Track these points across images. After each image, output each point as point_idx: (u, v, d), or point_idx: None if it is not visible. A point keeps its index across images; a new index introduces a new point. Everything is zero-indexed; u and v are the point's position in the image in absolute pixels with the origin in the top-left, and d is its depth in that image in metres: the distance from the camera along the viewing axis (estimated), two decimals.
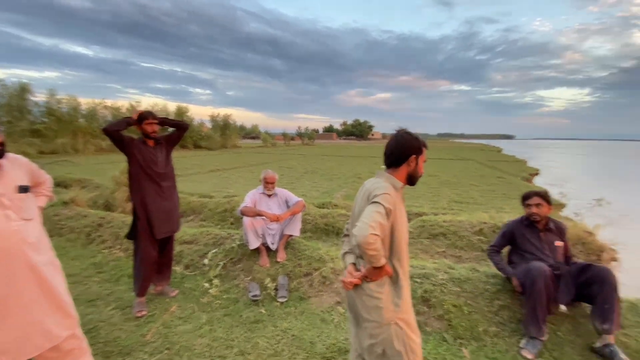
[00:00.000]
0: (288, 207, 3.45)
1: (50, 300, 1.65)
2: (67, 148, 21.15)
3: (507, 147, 59.31)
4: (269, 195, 3.42)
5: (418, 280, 3.00)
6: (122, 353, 2.29)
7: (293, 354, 2.28)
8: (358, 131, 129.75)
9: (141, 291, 2.84)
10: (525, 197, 2.72)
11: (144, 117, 2.77)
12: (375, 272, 1.38)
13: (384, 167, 1.55)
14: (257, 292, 2.94)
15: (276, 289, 3.02)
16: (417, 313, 2.72)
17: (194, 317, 2.72)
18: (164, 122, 2.92)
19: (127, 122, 2.72)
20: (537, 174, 17.45)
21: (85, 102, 23.69)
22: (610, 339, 2.20)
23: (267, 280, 3.07)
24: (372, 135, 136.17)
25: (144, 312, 2.75)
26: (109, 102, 24.94)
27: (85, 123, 22.91)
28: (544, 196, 2.63)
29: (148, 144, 2.81)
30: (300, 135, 56.67)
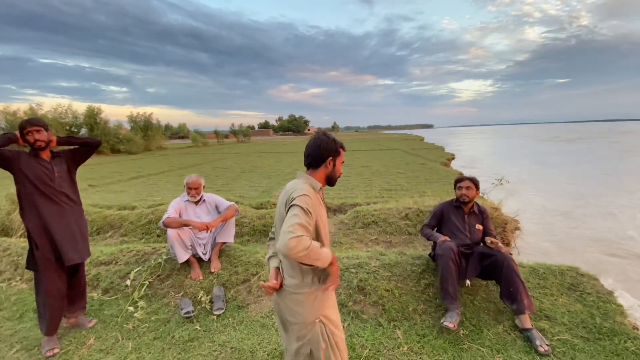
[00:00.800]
0: (219, 212, 3.28)
1: None
2: None
3: (428, 136, 65.42)
4: (196, 202, 3.21)
5: (353, 270, 3.13)
6: None
7: None
8: (294, 126, 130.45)
9: (50, 329, 2.45)
10: (458, 181, 3.00)
11: (22, 126, 2.35)
12: (333, 273, 1.39)
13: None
14: (190, 309, 2.76)
15: (211, 302, 2.87)
16: (354, 302, 2.85)
17: (117, 347, 2.44)
18: (67, 142, 2.53)
19: (8, 137, 2.29)
20: (453, 158, 19.57)
21: None
22: (525, 319, 2.44)
23: (201, 293, 2.90)
24: (309, 130, 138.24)
25: (56, 350, 2.39)
26: (1, 106, 20.86)
27: None
28: (474, 181, 2.93)
29: (41, 157, 2.40)
30: (234, 132, 54.42)
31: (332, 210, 5.95)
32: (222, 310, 2.78)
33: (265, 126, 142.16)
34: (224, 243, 3.29)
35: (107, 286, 3.18)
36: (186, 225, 2.95)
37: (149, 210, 5.21)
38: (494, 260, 2.62)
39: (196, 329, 2.60)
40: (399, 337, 2.44)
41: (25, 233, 2.61)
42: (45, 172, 2.38)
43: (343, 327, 2.60)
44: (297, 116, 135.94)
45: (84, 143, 2.60)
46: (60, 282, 2.48)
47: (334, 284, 1.40)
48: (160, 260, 3.23)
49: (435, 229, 3.04)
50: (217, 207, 3.32)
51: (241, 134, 53.74)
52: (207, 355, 2.31)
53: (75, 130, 27.47)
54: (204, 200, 3.28)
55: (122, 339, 2.52)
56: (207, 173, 13.59)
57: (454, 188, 3.04)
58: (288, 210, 1.35)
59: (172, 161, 19.56)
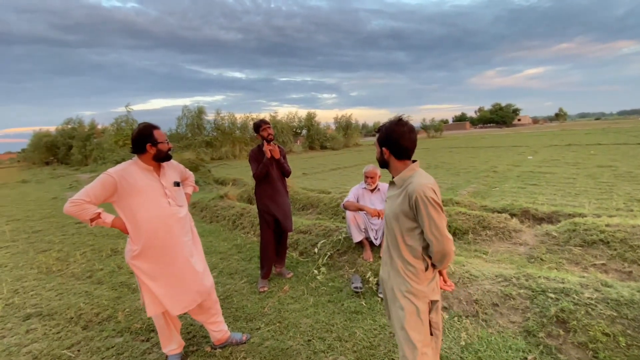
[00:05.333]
0: None
1: (193, 270, 2.17)
2: (228, 154, 26.45)
3: None
4: (372, 190, 3.44)
5: (552, 295, 2.47)
6: (246, 319, 2.77)
7: (389, 350, 2.25)
8: (499, 117, 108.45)
9: (264, 273, 3.36)
10: None
11: (258, 124, 3.24)
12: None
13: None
14: (359, 285, 3.02)
15: (377, 284, 3.03)
16: (548, 335, 2.25)
17: (302, 298, 3.02)
18: (281, 157, 3.28)
19: (266, 166, 3.18)
20: None
21: (239, 117, 29.13)
22: None
23: (369, 274, 3.11)
24: (519, 120, 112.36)
25: (265, 289, 3.24)
26: (254, 115, 29.76)
27: (240, 134, 28.05)
28: None
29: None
30: (425, 128, 52.83)
31: (536, 218, 4.79)
32: None
33: (461, 119, 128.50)
34: None
35: (302, 250, 3.98)
36: (361, 209, 3.23)
37: (339, 195, 6.04)
38: None
39: (361, 304, 2.83)
40: None
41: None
42: (268, 162, 3.23)
43: (526, 358, 2.12)
44: (503, 105, 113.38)
45: (283, 166, 3.31)
46: (273, 241, 3.33)
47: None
48: (340, 237, 3.71)
49: None
50: None
51: (432, 128, 51.40)
52: (367, 331, 2.47)
53: (299, 131, 35.14)
54: (379, 189, 3.47)
55: (306, 294, 3.09)
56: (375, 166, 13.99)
57: None
58: (418, 204, 1.36)
59: (364, 156, 21.57)
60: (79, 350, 2.47)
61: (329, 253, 3.61)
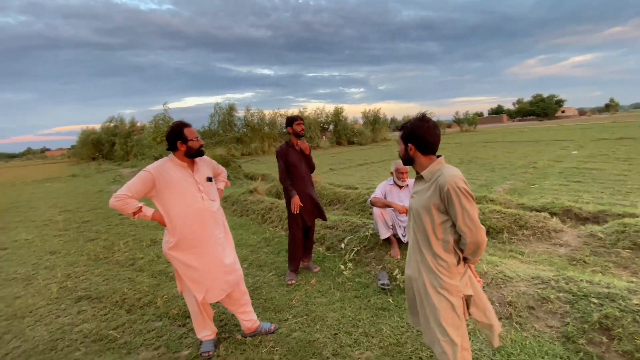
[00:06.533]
0: None
1: (225, 258, 2.28)
2: (257, 150, 27.07)
3: None
4: (400, 187, 3.38)
5: (595, 300, 2.32)
6: (275, 310, 2.86)
7: (416, 349, 2.24)
8: (540, 109, 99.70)
9: (293, 267, 3.43)
10: None
11: (292, 118, 3.28)
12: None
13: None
14: (386, 281, 3.00)
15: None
16: (589, 342, 2.12)
17: (329, 293, 3.06)
18: (309, 153, 3.35)
19: (290, 192, 3.24)
20: None
21: (268, 113, 29.61)
22: None
23: (397, 271, 3.08)
24: (563, 111, 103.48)
25: (293, 282, 3.31)
26: (282, 111, 30.12)
27: (268, 130, 28.59)
28: None
29: (295, 147, 3.29)
30: (457, 121, 50.29)
31: (579, 218, 4.47)
32: None
33: (497, 112, 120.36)
34: None
35: (329, 245, 4.01)
36: (388, 206, 3.20)
37: (366, 191, 6.00)
38: None
39: (388, 301, 2.82)
40: None
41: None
42: (297, 158, 3.28)
43: None
44: (545, 96, 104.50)
45: (311, 161, 3.37)
46: (301, 235, 3.38)
47: None
48: (367, 233, 3.70)
49: None
50: None
51: (466, 122, 48.83)
52: (394, 328, 2.46)
53: (326, 126, 35.10)
54: (408, 185, 3.41)
55: (333, 288, 3.13)
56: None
57: None
58: (450, 196, 1.35)
59: (392, 151, 21.17)
60: (123, 332, 2.69)
61: (355, 249, 3.62)
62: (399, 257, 3.26)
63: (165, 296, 3.22)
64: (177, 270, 2.19)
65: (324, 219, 3.51)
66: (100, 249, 4.77)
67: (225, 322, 2.73)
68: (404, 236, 3.35)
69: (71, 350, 2.49)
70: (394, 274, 3.08)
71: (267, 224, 5.52)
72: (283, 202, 6.25)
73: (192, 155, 2.17)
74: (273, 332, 2.52)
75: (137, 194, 2.01)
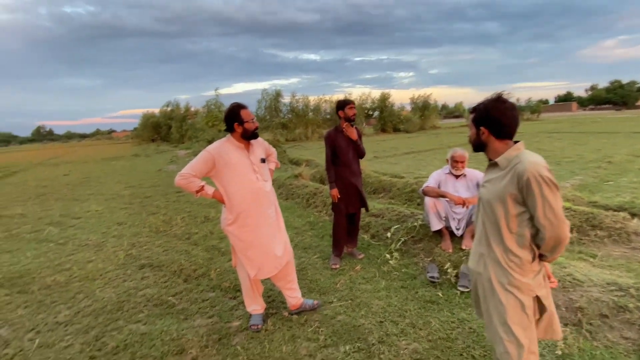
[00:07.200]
0: None
1: (276, 240, 2.34)
2: (301, 136, 27.38)
3: None
4: (457, 176, 3.18)
5: None
6: (320, 292, 2.89)
7: (468, 346, 2.13)
8: (618, 97, 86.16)
9: (337, 251, 3.43)
10: None
11: (344, 102, 3.21)
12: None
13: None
14: (436, 275, 2.88)
15: (457, 277, 2.84)
16: None
17: (374, 280, 3.02)
18: (358, 139, 3.25)
19: (329, 173, 3.26)
20: None
21: (312, 99, 29.61)
22: None
23: (448, 265, 2.94)
24: None
25: (337, 266, 3.32)
26: (327, 97, 29.96)
27: (313, 116, 28.70)
28: None
29: (343, 133, 3.21)
30: (519, 109, 45.47)
31: None
32: (467, 289, 2.69)
33: (566, 99, 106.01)
34: None
35: (374, 233, 3.95)
36: (443, 196, 3.03)
37: (414, 180, 5.77)
38: None
39: (438, 294, 2.70)
40: None
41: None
42: (345, 144, 3.21)
43: None
44: (624, 82, 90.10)
45: (359, 147, 3.25)
46: (344, 222, 3.36)
47: None
48: (415, 224, 3.56)
49: None
50: (478, 185, 3.15)
51: (528, 109, 44.12)
52: (444, 322, 2.36)
53: (371, 113, 34.25)
54: (465, 175, 3.20)
55: (378, 276, 3.08)
56: (475, 154, 12.76)
57: None
58: (530, 185, 1.22)
59: (442, 140, 20.11)
60: (181, 299, 2.91)
61: (402, 239, 3.51)
62: (450, 250, 3.10)
63: (218, 269, 3.41)
64: (233, 246, 2.31)
65: (366, 209, 3.44)
66: (160, 223, 5.19)
67: (273, 298, 2.83)
68: (457, 229, 3.17)
69: (135, 312, 2.75)
70: (445, 267, 2.94)
71: (311, 208, 5.58)
72: (327, 187, 6.27)
73: (248, 137, 2.24)
74: (315, 308, 2.59)
75: (200, 173, 2.14)
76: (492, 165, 1.42)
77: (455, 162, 3.17)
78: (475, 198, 2.95)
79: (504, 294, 1.35)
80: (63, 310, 2.83)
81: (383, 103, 32.80)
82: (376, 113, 33.77)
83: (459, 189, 3.15)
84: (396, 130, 31.99)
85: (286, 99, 29.18)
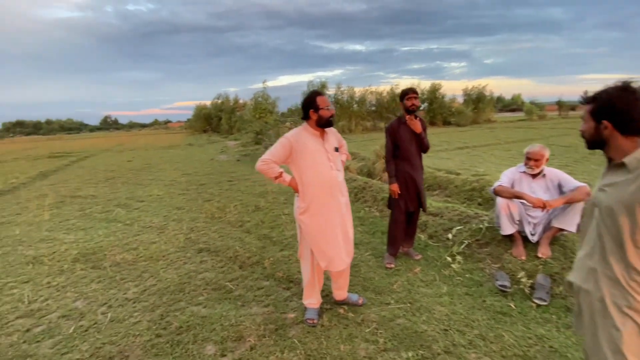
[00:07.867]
0: (561, 192, 2.73)
1: (346, 232, 2.28)
2: (345, 128, 27.14)
3: None
4: (534, 176, 2.84)
5: None
6: (375, 291, 2.77)
7: None
8: None
9: (392, 250, 3.27)
10: None
11: (405, 92, 3.01)
12: None
13: None
14: (507, 283, 2.60)
15: (532, 288, 2.55)
16: None
17: (434, 284, 2.82)
18: (423, 132, 3.05)
19: (389, 168, 3.10)
20: None
21: (357, 90, 29.06)
22: None
23: (521, 274, 2.64)
24: None
25: (392, 265, 3.17)
26: (373, 88, 29.23)
27: (357, 108, 28.23)
28: None
29: (406, 124, 3.02)
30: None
31: None
32: (545, 303, 2.39)
33: None
34: (562, 230, 2.73)
35: (432, 233, 3.70)
36: (519, 197, 2.71)
37: (473, 178, 5.36)
38: None
39: (509, 305, 2.45)
40: None
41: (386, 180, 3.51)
42: (408, 137, 3.00)
43: None
44: None
45: (422, 141, 3.03)
46: (403, 219, 3.18)
47: None
48: (481, 226, 3.27)
49: None
50: (559, 186, 2.78)
51: None
52: (519, 338, 2.12)
53: (420, 104, 32.83)
54: (544, 175, 2.84)
55: (439, 280, 2.88)
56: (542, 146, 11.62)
57: None
58: None
59: (499, 135, 18.65)
60: (237, 285, 2.97)
61: (466, 241, 3.24)
62: (523, 258, 2.79)
63: (271, 258, 3.44)
64: (302, 237, 2.28)
65: (424, 209, 3.22)
66: (215, 209, 5.40)
67: (327, 292, 2.77)
68: (532, 235, 2.84)
69: (196, 294, 2.85)
70: (518, 276, 2.65)
71: (360, 202, 5.43)
72: (376, 182, 6.08)
73: (323, 124, 2.22)
74: (360, 305, 2.54)
75: (279, 159, 2.16)
76: (616, 166, 1.19)
77: (530, 159, 2.83)
78: (557, 201, 2.60)
79: (620, 317, 1.14)
80: (131, 287, 3.03)
81: (433, 94, 31.24)
82: (425, 105, 32.29)
83: (536, 190, 2.81)
84: (446, 123, 30.36)
85: (331, 91, 29.01)
